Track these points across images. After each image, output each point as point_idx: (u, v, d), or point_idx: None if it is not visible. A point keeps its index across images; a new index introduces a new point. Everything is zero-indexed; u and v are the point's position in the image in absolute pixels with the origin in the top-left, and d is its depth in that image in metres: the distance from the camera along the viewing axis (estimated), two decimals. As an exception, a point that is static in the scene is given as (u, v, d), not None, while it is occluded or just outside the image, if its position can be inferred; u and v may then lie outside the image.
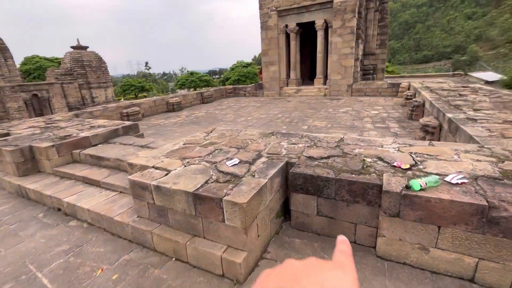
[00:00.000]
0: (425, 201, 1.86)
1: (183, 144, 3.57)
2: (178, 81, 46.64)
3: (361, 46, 13.08)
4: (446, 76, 20.25)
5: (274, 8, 12.66)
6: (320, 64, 12.87)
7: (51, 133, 4.94)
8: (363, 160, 2.60)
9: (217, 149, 3.22)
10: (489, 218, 1.70)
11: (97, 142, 4.69)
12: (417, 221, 1.93)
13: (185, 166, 2.73)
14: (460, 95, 6.31)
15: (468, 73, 22.29)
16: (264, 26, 13.21)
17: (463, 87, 8.00)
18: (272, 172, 2.46)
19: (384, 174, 2.23)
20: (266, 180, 2.30)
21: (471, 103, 5.15)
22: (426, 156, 2.56)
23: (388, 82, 11.79)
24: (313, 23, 12.37)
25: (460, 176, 2.00)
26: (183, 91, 14.05)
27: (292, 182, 2.50)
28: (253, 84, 15.93)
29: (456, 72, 22.79)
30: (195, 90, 44.20)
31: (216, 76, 77.82)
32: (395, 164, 2.41)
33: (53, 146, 4.08)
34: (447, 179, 2.01)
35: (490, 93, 6.46)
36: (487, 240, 1.76)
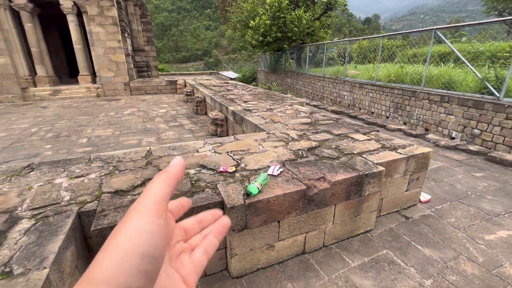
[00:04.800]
0: (266, 203, 1.82)
1: None
2: None
3: (129, 41, 12.07)
4: (206, 74, 24.42)
5: (-26, -34, 8.08)
6: (81, 59, 10.32)
7: None
8: (187, 174, 2.18)
9: None
10: (308, 198, 1.97)
11: None
12: (262, 224, 1.87)
13: None
14: (228, 90, 7.64)
15: (218, 72, 28.39)
16: (-42, -9, 8.12)
17: (226, 83, 9.85)
18: (55, 245, 1.37)
19: (218, 186, 1.96)
20: (48, 269, 1.21)
21: (239, 96, 6.33)
22: (241, 152, 2.62)
23: (166, 80, 11.97)
24: (57, 3, 9.45)
25: (278, 167, 2.18)
26: None
27: (99, 244, 1.54)
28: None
29: (211, 72, 28.21)
30: None
31: None
32: (221, 169, 2.23)
33: None
34: (269, 172, 2.12)
35: (244, 87, 8.42)
36: (309, 216, 2.05)
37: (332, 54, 13.57)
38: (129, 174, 2.17)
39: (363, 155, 2.53)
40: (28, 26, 9.33)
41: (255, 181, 1.88)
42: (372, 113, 8.42)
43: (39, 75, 9.96)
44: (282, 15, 14.68)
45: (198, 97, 7.51)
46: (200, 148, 2.79)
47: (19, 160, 4.28)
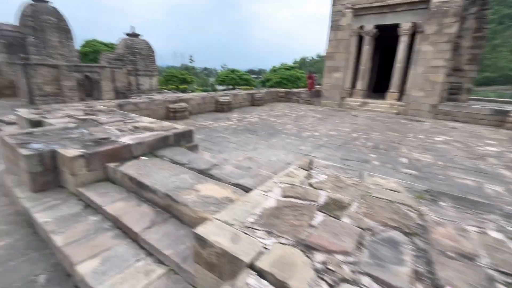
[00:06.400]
0: None
1: (284, 196, 2.04)
2: (218, 77, 46.67)
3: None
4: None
5: (350, 6, 10.83)
6: (397, 76, 10.76)
7: (85, 131, 3.78)
8: None
9: (365, 230, 1.64)
10: None
11: (140, 153, 3.40)
12: None
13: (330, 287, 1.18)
14: None
15: None
16: (334, 26, 11.44)
17: None
18: None
19: None
20: None
21: None
22: None
23: (489, 108, 9.33)
24: (395, 26, 10.33)
25: None
26: (234, 91, 12.82)
27: None
28: (308, 90, 14.26)
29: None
30: (234, 87, 43.74)
31: (255, 76, 76.49)
32: None
33: (82, 156, 2.83)
34: None
35: None
36: None
37: None
38: None
39: None
40: (366, 48, 11.17)
41: None
42: None
43: (356, 88, 11.83)
44: None
45: None
46: None
47: (353, 161, 4.95)
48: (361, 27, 11.00)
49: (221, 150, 5.29)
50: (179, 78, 42.72)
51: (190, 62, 69.07)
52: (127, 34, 28.03)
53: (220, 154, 4.98)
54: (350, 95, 12.00)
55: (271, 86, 41.26)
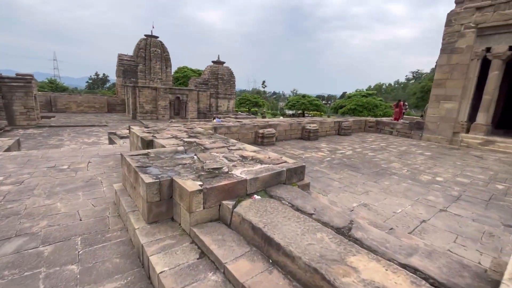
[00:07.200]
0: None
1: None
2: (288, 101, 47.02)
3: None
4: None
5: (473, 25, 9.03)
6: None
7: (195, 157, 3.56)
8: None
9: None
10: None
11: (254, 191, 2.89)
12: None
13: None
14: None
15: None
16: (447, 49, 9.70)
17: None
18: None
19: None
20: None
21: None
22: None
23: None
24: (544, 47, 8.01)
25: None
26: (320, 118, 12.18)
27: None
28: (394, 119, 12.42)
29: None
30: (303, 113, 43.14)
31: (324, 102, 74.35)
32: None
33: (201, 191, 2.46)
34: None
35: None
36: None
37: None
38: None
39: None
40: (493, 74, 9.01)
41: None
42: None
43: (476, 122, 9.53)
44: None
45: None
46: None
47: (526, 230, 3.42)
48: (488, 49, 8.97)
49: (324, 188, 4.48)
50: (251, 101, 44.78)
51: (263, 87, 72.40)
52: (213, 62, 31.12)
53: (325, 194, 4.19)
54: (467, 130, 9.70)
55: (344, 113, 39.02)
